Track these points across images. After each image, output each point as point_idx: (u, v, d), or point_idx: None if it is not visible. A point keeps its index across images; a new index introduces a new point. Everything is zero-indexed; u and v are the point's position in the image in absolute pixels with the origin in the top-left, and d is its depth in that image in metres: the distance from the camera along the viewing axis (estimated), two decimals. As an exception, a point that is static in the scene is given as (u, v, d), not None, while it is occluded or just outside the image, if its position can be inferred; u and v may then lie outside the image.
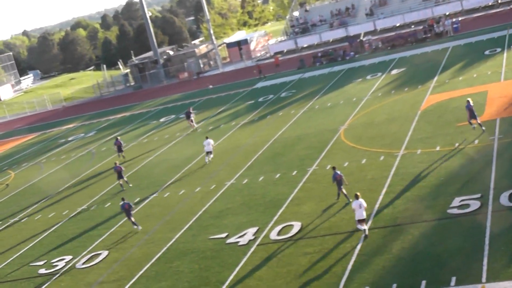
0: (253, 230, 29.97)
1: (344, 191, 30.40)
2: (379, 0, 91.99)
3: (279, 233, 28.87)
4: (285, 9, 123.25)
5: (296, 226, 29.14)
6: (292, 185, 34.84)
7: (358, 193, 27.06)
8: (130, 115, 76.05)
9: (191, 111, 57.07)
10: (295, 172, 37.00)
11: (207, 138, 44.32)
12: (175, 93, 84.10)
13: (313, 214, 30.02)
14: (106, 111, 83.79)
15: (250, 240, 28.88)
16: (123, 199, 35.06)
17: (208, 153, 43.67)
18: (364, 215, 26.40)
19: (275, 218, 30.82)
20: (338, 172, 30.64)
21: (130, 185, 42.91)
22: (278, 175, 37.35)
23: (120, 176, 42.60)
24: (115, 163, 44.02)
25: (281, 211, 31.57)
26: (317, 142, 42.10)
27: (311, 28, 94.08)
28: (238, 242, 29.08)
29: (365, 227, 26.42)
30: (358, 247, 25.48)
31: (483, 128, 35.28)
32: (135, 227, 34.23)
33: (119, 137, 54.08)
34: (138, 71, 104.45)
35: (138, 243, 32.39)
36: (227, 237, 30.04)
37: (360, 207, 26.33)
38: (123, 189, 42.53)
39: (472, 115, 35.49)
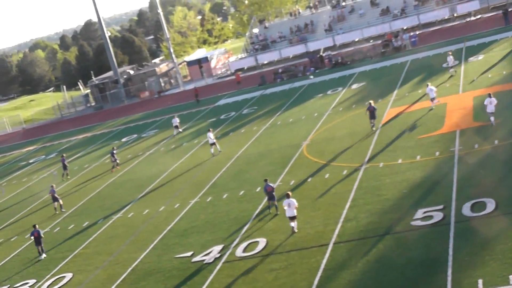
0: (218, 247, 29.85)
1: (276, 203, 32.10)
2: (338, 16, 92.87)
3: (244, 250, 28.79)
4: (244, 26, 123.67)
5: (262, 242, 29.10)
6: (257, 202, 34.82)
7: (290, 193, 29.60)
8: (91, 135, 75.42)
9: (114, 151, 53.55)
10: (259, 188, 36.96)
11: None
12: (136, 113, 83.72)
13: (278, 230, 30.02)
14: (67, 132, 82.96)
15: (216, 258, 28.74)
16: (34, 226, 35.45)
17: (212, 144, 42.82)
18: (294, 213, 28.93)
19: (241, 235, 30.75)
20: (270, 184, 32.30)
21: (63, 210, 43.08)
22: (242, 192, 37.31)
23: (55, 199, 43.02)
24: (51, 186, 44.66)
25: (246, 228, 31.51)
26: (280, 158, 42.20)
27: (271, 44, 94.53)
28: (204, 260, 28.92)
29: (293, 224, 29.11)
30: (324, 261, 25.52)
31: (374, 128, 41.52)
32: (40, 256, 35.08)
33: (64, 155, 55.20)
34: (99, 91, 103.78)
35: (102, 264, 32.02)
36: (192, 255, 29.86)
37: (289, 206, 28.93)
38: (56, 212, 43.32)
39: (372, 116, 42.37)
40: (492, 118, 36.80)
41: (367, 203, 30.29)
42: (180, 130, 60.05)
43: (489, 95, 36.87)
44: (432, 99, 43.73)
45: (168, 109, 79.26)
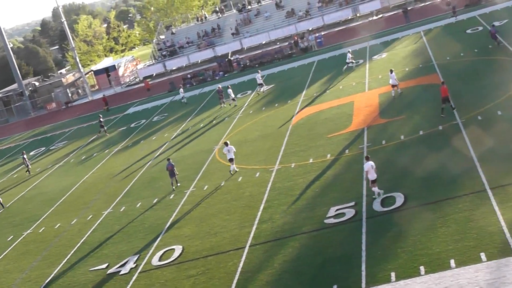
0: (134, 257, 29.48)
1: (176, 178, 37.77)
2: (244, 20, 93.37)
3: (160, 258, 28.53)
4: (151, 33, 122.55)
5: (178, 249, 28.91)
6: (171, 209, 34.58)
7: (228, 141, 38.24)
8: (-3, 150, 73.22)
9: (24, 155, 55.61)
10: (172, 195, 36.75)
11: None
12: (44, 125, 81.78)
13: (194, 236, 29.90)
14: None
15: (131, 268, 28.37)
16: None
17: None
18: (233, 155, 36.91)
19: (156, 243, 30.45)
20: (172, 163, 38.02)
21: None
22: (156, 200, 36.98)
23: None
24: None
25: (161, 236, 31.24)
26: (193, 163, 42.04)
27: (179, 50, 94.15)
28: (119, 271, 28.49)
29: (233, 167, 36.97)
30: (241, 264, 25.56)
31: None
32: None
33: None
34: (3, 104, 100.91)
35: (14, 282, 31.10)
36: (108, 267, 29.37)
37: (229, 152, 36.70)
38: None
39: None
40: (393, 92, 43.48)
41: (281, 204, 30.54)
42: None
43: (391, 71, 43.72)
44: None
45: (77, 120, 77.80)
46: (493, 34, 49.51)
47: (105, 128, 62.14)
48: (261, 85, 58.79)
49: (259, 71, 62.48)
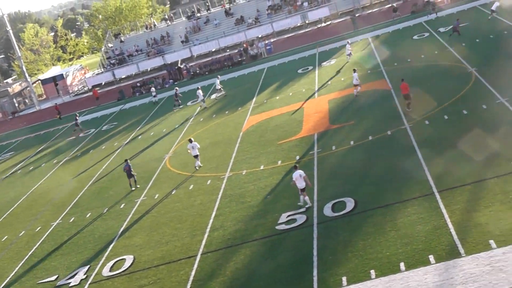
0: (84, 268, 29.05)
1: (135, 179, 38.68)
2: (193, 27, 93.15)
3: (111, 269, 28.17)
4: (99, 41, 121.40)
5: (129, 259, 28.60)
6: (121, 218, 34.21)
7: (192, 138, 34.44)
8: None
9: None
10: (123, 205, 36.38)
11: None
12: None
13: (145, 245, 29.62)
14: None
15: (81, 280, 27.95)
16: None
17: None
18: (197, 152, 38.56)
19: (106, 253, 30.07)
20: (129, 164, 38.61)
21: None
22: (106, 210, 36.55)
23: None
24: None
25: (112, 246, 30.86)
26: (143, 172, 41.67)
27: (128, 58, 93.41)
28: (69, 283, 28.05)
29: (198, 163, 38.70)
30: (193, 273, 25.41)
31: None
32: None
33: None
34: None
35: (-40, 297, 30.38)
36: (57, 279, 28.89)
37: (193, 148, 38.25)
38: None
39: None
40: (355, 91, 44.47)
41: (232, 211, 30.47)
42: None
43: (354, 70, 44.88)
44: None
45: (24, 130, 76.50)
46: (455, 27, 54.17)
47: (81, 127, 63.01)
48: (219, 90, 59.32)
49: (219, 76, 63.23)
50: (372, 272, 21.34)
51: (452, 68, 44.27)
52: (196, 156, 38.79)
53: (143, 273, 26.83)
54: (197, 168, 38.58)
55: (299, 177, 28.12)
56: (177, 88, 62.98)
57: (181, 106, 59.91)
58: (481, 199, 24.23)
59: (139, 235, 31.13)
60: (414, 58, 50.71)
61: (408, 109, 37.18)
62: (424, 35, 58.93)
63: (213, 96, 59.19)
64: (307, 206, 28.17)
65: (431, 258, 21.09)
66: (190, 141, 38.82)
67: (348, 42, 59.08)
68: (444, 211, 24.03)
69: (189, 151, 38.85)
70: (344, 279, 21.48)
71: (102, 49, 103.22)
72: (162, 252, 28.34)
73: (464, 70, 42.82)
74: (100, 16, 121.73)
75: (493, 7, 56.14)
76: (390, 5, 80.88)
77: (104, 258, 29.61)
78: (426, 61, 48.81)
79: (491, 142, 29.52)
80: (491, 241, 21.05)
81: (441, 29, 57.45)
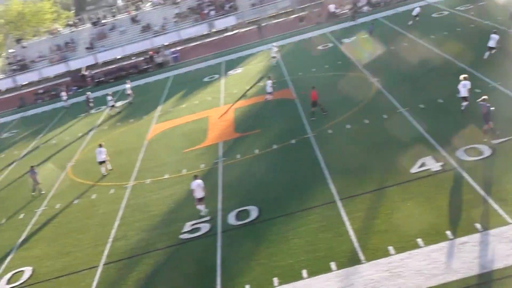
0: (-20, 282, 28.04)
1: (40, 186, 38.23)
2: (99, 34, 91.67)
3: (9, 281, 27.28)
4: (0, 46, 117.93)
5: (27, 271, 27.77)
6: (20, 229, 33.17)
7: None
8: None
9: None
10: (22, 215, 35.30)
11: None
12: None
13: (45, 257, 28.84)
14: None
15: (-23, 294, 26.96)
16: None
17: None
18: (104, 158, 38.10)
19: (4, 266, 29.10)
20: (36, 171, 38.08)
21: None
22: (3, 221, 35.35)
23: None
24: None
25: (10, 257, 29.89)
26: (44, 181, 40.43)
27: (30, 64, 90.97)
28: (-36, 297, 26.99)
29: (106, 167, 38.55)
30: (94, 284, 24.93)
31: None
32: None
33: None
34: None
35: None
36: (-49, 293, 27.73)
37: (100, 153, 38.09)
38: None
39: None
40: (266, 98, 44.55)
41: (136, 221, 30.08)
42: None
43: (269, 78, 46.18)
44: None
45: None
46: (370, 31, 58.91)
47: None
48: (129, 95, 58.70)
49: (128, 81, 62.48)
50: (275, 280, 21.48)
51: (355, 78, 45.21)
52: (101, 163, 38.26)
53: (43, 285, 26.12)
54: (104, 173, 38.21)
55: (197, 187, 28.18)
56: (89, 92, 61.99)
57: (92, 111, 59.21)
58: (381, 207, 24.83)
59: (39, 246, 30.28)
60: (318, 68, 51.48)
61: (313, 118, 37.73)
62: (328, 45, 59.94)
63: (124, 102, 58.53)
64: (202, 213, 28.23)
65: (333, 265, 21.41)
66: (100, 145, 38.72)
67: (273, 45, 59.79)
68: (345, 218, 24.46)
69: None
70: (247, 287, 21.51)
71: (3, 54, 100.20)
72: (63, 263, 27.66)
73: (366, 80, 43.82)
74: (1, 20, 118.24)
75: (414, 13, 58.00)
76: (296, 15, 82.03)
77: (1, 270, 28.63)
78: (330, 71, 49.65)
79: (391, 150, 30.29)
80: (390, 248, 21.58)
81: (345, 40, 58.57)
